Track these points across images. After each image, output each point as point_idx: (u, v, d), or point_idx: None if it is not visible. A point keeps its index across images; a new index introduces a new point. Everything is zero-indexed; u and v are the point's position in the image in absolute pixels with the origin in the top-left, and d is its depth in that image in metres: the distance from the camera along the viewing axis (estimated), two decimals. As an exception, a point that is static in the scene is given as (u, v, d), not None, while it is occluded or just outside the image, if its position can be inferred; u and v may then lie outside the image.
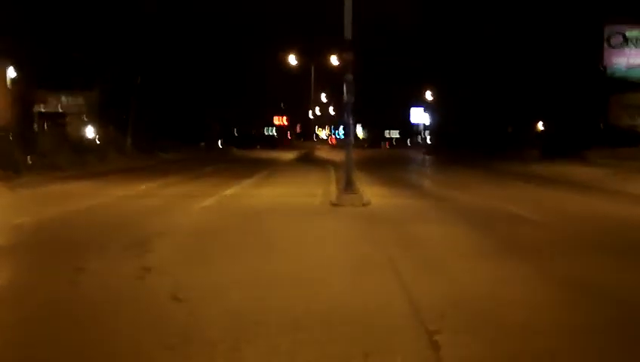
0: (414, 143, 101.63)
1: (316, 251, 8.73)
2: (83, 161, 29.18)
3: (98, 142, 37.60)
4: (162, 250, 8.68)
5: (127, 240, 9.45)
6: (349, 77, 16.59)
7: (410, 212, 13.75)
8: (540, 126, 59.30)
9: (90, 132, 40.05)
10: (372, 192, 16.99)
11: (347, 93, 16.70)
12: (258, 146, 71.31)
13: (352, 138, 17.36)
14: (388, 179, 25.20)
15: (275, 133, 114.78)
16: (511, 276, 7.31)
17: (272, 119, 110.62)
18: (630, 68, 42.62)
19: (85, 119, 40.47)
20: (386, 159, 45.05)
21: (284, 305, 5.80)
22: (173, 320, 5.33)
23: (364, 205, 14.20)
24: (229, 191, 17.64)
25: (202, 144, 58.91)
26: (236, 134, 78.17)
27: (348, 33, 16.59)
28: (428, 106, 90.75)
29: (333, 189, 18.00)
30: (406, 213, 13.44)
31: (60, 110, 39.77)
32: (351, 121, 17.00)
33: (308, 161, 43.08)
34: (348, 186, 16.71)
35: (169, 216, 12.32)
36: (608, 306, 6.06)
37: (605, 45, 43.46)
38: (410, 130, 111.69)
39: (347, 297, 6.16)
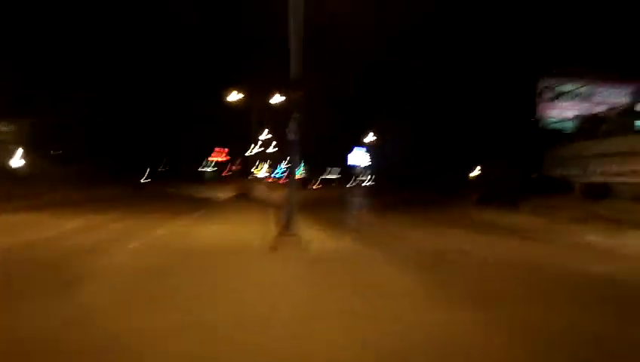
0: (354, 184, 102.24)
1: (251, 293, 8.68)
2: (8, 194, 27.54)
3: (29, 173, 36.20)
4: (93, 294, 8.31)
5: (68, 276, 9.25)
6: (297, 116, 16.45)
7: (353, 256, 13.73)
8: (475, 172, 60.62)
9: (20, 162, 38.63)
10: (310, 236, 16.73)
11: (292, 131, 16.53)
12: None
13: (295, 177, 17.10)
14: (327, 222, 24.97)
15: (214, 169, 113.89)
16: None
17: (211, 155, 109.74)
18: (561, 120, 44.37)
19: (16, 148, 39.07)
20: (327, 200, 44.96)
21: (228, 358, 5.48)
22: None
23: (304, 249, 13.95)
24: (165, 230, 17.23)
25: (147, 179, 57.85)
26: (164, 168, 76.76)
27: (296, 72, 16.49)
28: (370, 148, 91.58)
29: (272, 231, 17.70)
30: (349, 257, 13.45)
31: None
32: (297, 159, 16.82)
33: (246, 199, 42.62)
34: (286, 228, 16.44)
35: (107, 254, 12.10)
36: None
37: (540, 98, 45.17)
38: (350, 171, 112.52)
39: (292, 345, 5.91)
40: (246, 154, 74.45)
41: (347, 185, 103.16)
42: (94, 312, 7.14)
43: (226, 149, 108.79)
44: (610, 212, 26.62)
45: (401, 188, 59.06)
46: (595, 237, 20.22)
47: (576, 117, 42.22)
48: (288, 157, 17.02)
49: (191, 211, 25.85)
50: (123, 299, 7.93)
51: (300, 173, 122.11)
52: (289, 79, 16.64)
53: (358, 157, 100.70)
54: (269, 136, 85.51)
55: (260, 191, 62.32)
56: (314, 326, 6.85)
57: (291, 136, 16.59)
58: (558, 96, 44.92)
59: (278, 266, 11.37)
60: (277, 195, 53.63)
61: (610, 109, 38.86)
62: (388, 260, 12.74)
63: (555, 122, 44.80)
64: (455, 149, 53.38)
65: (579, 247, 18.13)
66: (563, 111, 44.88)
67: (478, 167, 59.48)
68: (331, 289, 9.00)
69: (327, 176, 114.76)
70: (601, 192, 32.34)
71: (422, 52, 49.27)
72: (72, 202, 29.23)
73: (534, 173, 43.32)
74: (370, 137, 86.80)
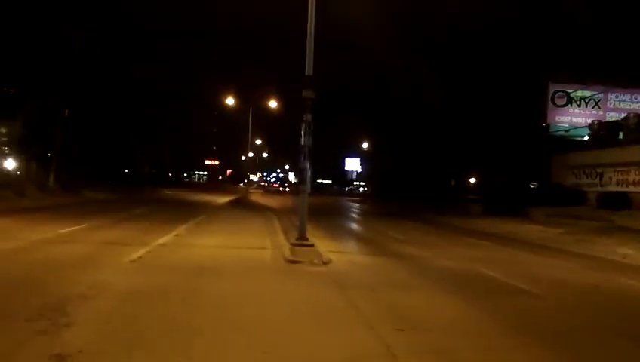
0: (347, 191, 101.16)
1: (285, 334, 6.62)
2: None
3: (17, 176, 34.27)
4: (85, 322, 6.53)
5: (37, 303, 7.23)
6: (308, 117, 14.80)
7: (378, 274, 11.89)
8: (473, 179, 59.23)
9: (8, 164, 36.79)
10: (326, 247, 15.06)
11: (305, 134, 14.88)
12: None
13: (308, 184, 15.35)
14: (336, 231, 23.49)
15: (206, 175, 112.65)
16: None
17: (204, 161, 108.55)
18: (570, 128, 42.61)
19: (5, 150, 37.28)
20: (325, 207, 43.13)
21: None
22: None
23: (324, 263, 12.21)
24: (163, 240, 15.25)
25: (137, 183, 56.00)
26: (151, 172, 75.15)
27: (309, 69, 14.88)
28: (364, 155, 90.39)
29: (282, 241, 16.01)
30: (374, 276, 11.54)
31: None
32: (307, 166, 15.01)
33: (244, 205, 40.82)
34: (301, 238, 14.80)
35: (93, 271, 9.87)
36: None
37: (550, 104, 43.38)
38: (342, 178, 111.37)
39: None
40: (240, 160, 73.02)
41: (342, 192, 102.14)
42: (88, 351, 5.43)
43: (216, 159, 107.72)
44: (633, 223, 25.25)
45: (399, 194, 57.62)
46: (629, 250, 18.73)
47: (592, 124, 40.51)
48: (300, 163, 15.26)
49: (190, 217, 23.94)
50: (101, 340, 5.99)
51: (292, 180, 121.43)
52: (303, 77, 15.09)
53: (353, 165, 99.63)
54: (262, 141, 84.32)
55: (257, 197, 60.82)
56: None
57: (303, 140, 14.95)
58: (570, 101, 43.28)
59: (304, 291, 9.35)
60: (274, 201, 52.33)
61: (626, 117, 37.21)
62: (422, 283, 10.98)
63: (566, 129, 43.09)
64: (453, 155, 51.82)
65: (618, 263, 16.66)
66: (573, 118, 43.24)
67: (475, 176, 58.14)
68: (376, 325, 7.20)
69: (322, 182, 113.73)
70: (619, 202, 30.92)
71: (424, 53, 47.90)
72: (60, 206, 27.40)
73: (533, 183, 41.94)
74: (364, 145, 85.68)
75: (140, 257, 11.87)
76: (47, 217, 21.12)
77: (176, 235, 16.75)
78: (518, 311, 8.85)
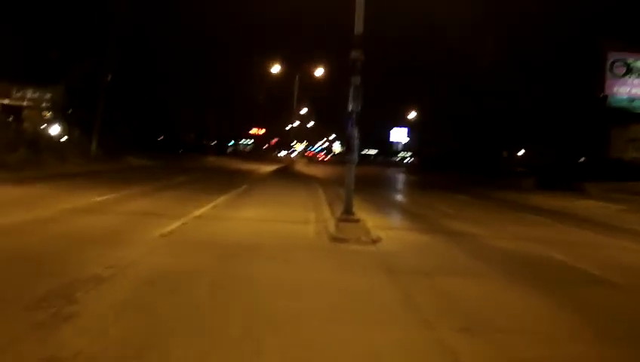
0: (393, 162, 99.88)
1: (327, 335, 5.48)
2: (38, 162, 25.78)
3: (60, 142, 33.88)
4: (93, 314, 5.55)
5: (44, 286, 6.28)
6: (357, 80, 13.54)
7: (432, 256, 10.64)
8: (523, 150, 57.43)
9: (52, 130, 36.51)
10: (373, 222, 13.88)
11: (353, 99, 13.64)
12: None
13: (356, 154, 14.10)
14: (383, 204, 22.35)
15: (251, 143, 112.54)
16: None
17: (249, 130, 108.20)
18: (633, 98, 40.08)
19: (48, 115, 36.96)
20: (370, 179, 41.91)
21: None
22: None
23: (373, 241, 11.06)
24: (200, 211, 14.29)
25: (181, 151, 55.68)
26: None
27: (359, 27, 13.61)
28: (411, 125, 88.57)
29: (327, 214, 14.91)
30: (428, 258, 10.30)
31: (25, 104, 36.27)
32: (356, 134, 13.77)
33: (289, 175, 39.89)
34: (347, 213, 13.67)
35: (117, 247, 8.92)
36: None
37: (608, 74, 40.85)
38: (388, 149, 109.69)
39: None
40: (286, 128, 72.13)
41: (387, 163, 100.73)
42: (91, 354, 4.45)
43: (263, 128, 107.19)
44: None
45: (448, 166, 56.14)
46: None
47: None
48: (348, 130, 14.02)
49: (232, 187, 22.93)
50: (107, 339, 4.92)
51: (335, 150, 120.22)
52: (352, 36, 13.83)
53: (400, 135, 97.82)
54: (308, 110, 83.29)
55: (301, 166, 59.95)
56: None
57: (351, 105, 13.71)
58: (629, 71, 40.67)
59: (349, 277, 8.10)
60: (318, 170, 51.36)
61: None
62: (482, 268, 9.69)
63: (630, 99, 40.50)
64: (506, 126, 49.98)
65: None
66: (633, 88, 40.63)
67: (526, 147, 56.31)
68: (435, 322, 6.05)
69: (366, 153, 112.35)
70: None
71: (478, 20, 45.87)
72: (100, 172, 26.86)
73: (598, 155, 40.03)
74: (411, 115, 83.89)
75: (172, 231, 10.91)
76: (85, 184, 20.48)
77: (215, 206, 15.81)
78: (604, 306, 7.55)
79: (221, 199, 17.80)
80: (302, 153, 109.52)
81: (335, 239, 11.14)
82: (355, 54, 13.49)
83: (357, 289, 7.42)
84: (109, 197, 16.11)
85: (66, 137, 35.31)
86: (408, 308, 6.64)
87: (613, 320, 6.82)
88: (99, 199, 15.39)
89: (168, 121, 55.72)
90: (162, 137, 53.76)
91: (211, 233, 11.29)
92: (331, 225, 12.62)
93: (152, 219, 12.38)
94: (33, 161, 25.28)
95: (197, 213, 13.94)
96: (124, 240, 9.70)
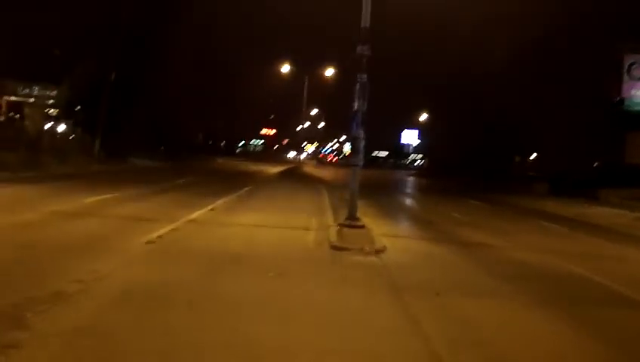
0: (404, 165, 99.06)
1: None
2: (39, 162, 25.08)
3: (60, 141, 33.10)
4: (40, 342, 4.66)
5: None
6: (363, 77, 12.65)
7: (443, 270, 9.69)
8: (535, 154, 56.55)
9: (56, 129, 35.82)
10: (379, 229, 12.98)
11: (359, 98, 12.75)
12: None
13: (361, 156, 13.18)
14: (390, 210, 21.43)
15: (261, 144, 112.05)
16: None
17: (260, 130, 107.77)
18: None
19: (53, 113, 36.27)
20: (379, 183, 40.89)
21: None
22: None
23: (377, 251, 10.15)
24: (195, 215, 13.43)
25: (187, 152, 55.01)
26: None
27: (366, 20, 12.71)
28: (422, 128, 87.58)
29: (330, 221, 14.01)
30: (439, 272, 9.37)
31: (30, 101, 35.59)
32: (362, 134, 12.86)
33: (294, 177, 39.06)
34: (351, 218, 12.77)
35: (93, 256, 8.05)
36: None
37: (625, 77, 39.59)
38: (399, 152, 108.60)
39: None
40: (296, 129, 71.52)
41: (397, 165, 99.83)
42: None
43: (274, 128, 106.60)
44: None
45: (459, 170, 55.16)
46: None
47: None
48: (353, 131, 13.13)
49: (235, 188, 22.12)
50: None
51: (346, 152, 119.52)
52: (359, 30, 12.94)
53: (411, 137, 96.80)
54: (318, 111, 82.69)
55: (309, 168, 59.18)
56: None
57: (356, 104, 12.82)
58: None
59: (347, 296, 7.13)
60: (326, 172, 50.52)
61: None
62: (499, 286, 8.68)
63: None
64: (518, 131, 48.92)
65: None
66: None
67: (538, 152, 55.39)
68: (447, 359, 5.14)
69: (376, 155, 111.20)
70: None
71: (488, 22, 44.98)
72: (100, 173, 26.18)
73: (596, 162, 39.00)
74: (422, 118, 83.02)
75: (160, 237, 10.06)
76: (80, 185, 19.70)
77: (212, 210, 14.96)
78: (616, 328, 6.65)
79: (220, 202, 16.96)
80: (313, 154, 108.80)
81: (336, 248, 10.24)
82: (361, 49, 12.59)
83: (356, 312, 6.43)
84: (100, 198, 15.31)
85: (72, 136, 34.62)
86: (415, 338, 5.67)
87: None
88: (89, 201, 14.58)
89: (175, 121, 54.98)
90: (168, 138, 52.94)
91: (202, 240, 10.42)
92: (333, 232, 11.73)
93: (142, 224, 11.54)
94: (33, 160, 24.56)
95: (191, 216, 13.12)
96: (104, 247, 8.87)
